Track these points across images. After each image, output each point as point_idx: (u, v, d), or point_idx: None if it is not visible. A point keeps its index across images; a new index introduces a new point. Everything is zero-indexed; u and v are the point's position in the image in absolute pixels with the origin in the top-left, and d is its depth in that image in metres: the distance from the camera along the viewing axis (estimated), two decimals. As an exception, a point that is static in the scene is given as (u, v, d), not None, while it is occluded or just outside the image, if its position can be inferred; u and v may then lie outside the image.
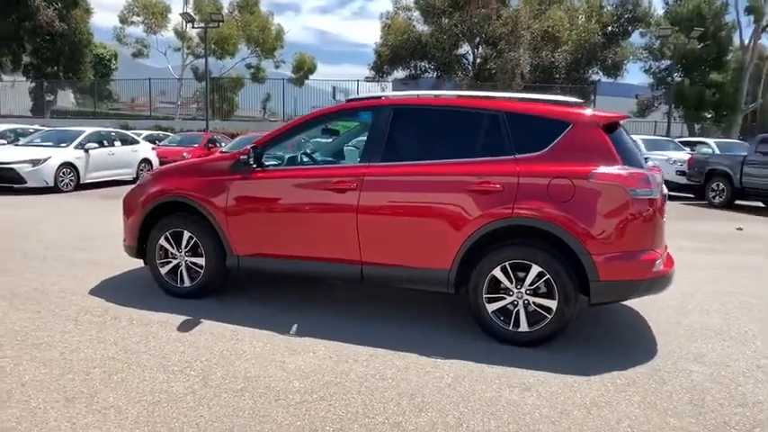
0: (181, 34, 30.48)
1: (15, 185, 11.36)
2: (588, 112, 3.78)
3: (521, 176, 3.58)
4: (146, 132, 18.76)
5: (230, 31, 27.99)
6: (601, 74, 29.97)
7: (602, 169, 3.50)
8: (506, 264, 3.62)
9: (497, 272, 3.64)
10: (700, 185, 13.29)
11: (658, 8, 32.20)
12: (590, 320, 4.14)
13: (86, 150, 12.41)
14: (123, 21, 30.23)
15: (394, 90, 34.09)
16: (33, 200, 10.59)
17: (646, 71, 35.44)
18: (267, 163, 4.30)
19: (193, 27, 24.56)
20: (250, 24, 29.55)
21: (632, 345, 3.81)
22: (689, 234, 8.28)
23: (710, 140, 16.78)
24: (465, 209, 3.65)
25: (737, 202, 12.59)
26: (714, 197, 12.81)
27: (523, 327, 3.63)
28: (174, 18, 30.07)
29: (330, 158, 4.88)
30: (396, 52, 27.19)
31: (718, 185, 12.80)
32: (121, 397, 2.82)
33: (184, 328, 3.84)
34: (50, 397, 2.79)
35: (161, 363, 3.25)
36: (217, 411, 2.70)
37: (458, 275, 3.74)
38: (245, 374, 3.12)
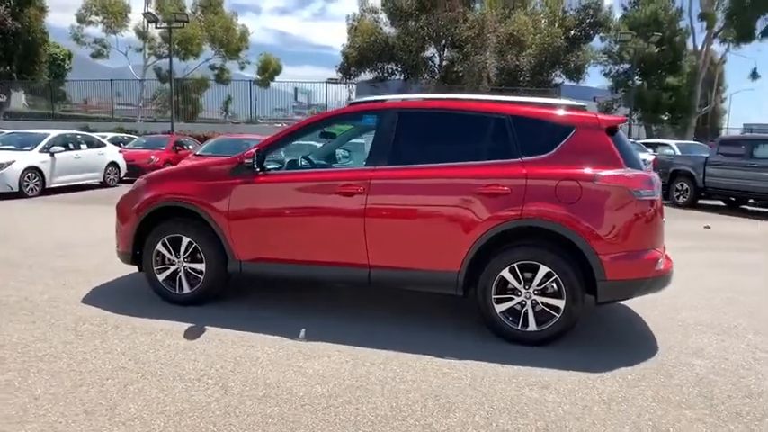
0: (142, 34, 29.62)
1: (-24, 191, 10.84)
2: (591, 115, 3.89)
3: (528, 179, 3.66)
4: (110, 135, 18.16)
5: (194, 32, 27.38)
6: (563, 77, 30.75)
7: (607, 171, 3.62)
8: (515, 265, 3.69)
9: (506, 273, 3.71)
10: (664, 186, 13.81)
11: (617, 14, 33.16)
12: (590, 319, 4.26)
13: (52, 154, 11.95)
14: (81, 20, 29.15)
15: (359, 93, 34.20)
16: (-3, 205, 10.13)
17: (605, 75, 36.61)
18: (269, 167, 4.25)
19: (157, 27, 23.93)
20: (214, 25, 28.98)
21: (634, 341, 3.94)
22: (662, 232, 8.58)
23: (671, 142, 17.45)
24: (474, 211, 3.70)
25: (700, 201, 13.15)
26: (678, 197, 13.34)
27: (532, 326, 3.71)
28: (135, 18, 29.32)
29: (331, 161, 4.87)
30: (363, 54, 27.21)
31: (682, 185, 13.34)
32: (143, 408, 2.74)
33: (191, 335, 3.76)
34: (69, 410, 2.69)
35: (175, 371, 3.18)
36: (245, 419, 2.67)
37: (466, 277, 3.79)
38: (265, 381, 3.09)
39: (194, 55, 29.66)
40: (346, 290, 4.96)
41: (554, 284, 3.65)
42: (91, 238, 7.14)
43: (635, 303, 4.58)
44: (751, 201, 13.28)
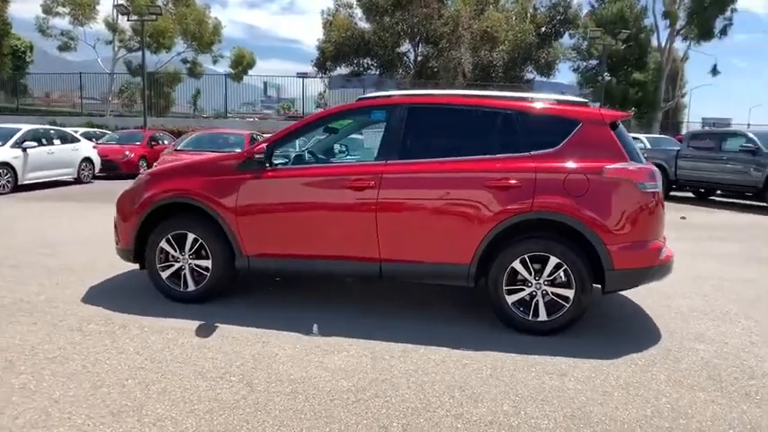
0: (112, 26, 28.74)
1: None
2: (596, 110, 3.99)
3: (538, 172, 3.73)
4: (82, 130, 17.62)
5: (166, 25, 26.69)
6: (535, 73, 31.23)
7: (613, 165, 3.72)
8: (526, 256, 3.77)
9: (517, 264, 3.78)
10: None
11: (584, 11, 33.84)
12: (592, 309, 4.36)
13: (24, 149, 11.54)
14: (47, 11, 28.10)
15: (332, 87, 34.04)
16: (-32, 204, 9.74)
17: (574, 71, 37.39)
18: (276, 161, 4.22)
19: (128, 20, 23.23)
20: (186, 18, 28.33)
21: (637, 329, 4.07)
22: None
23: (642, 136, 17.94)
24: (486, 204, 3.76)
25: (672, 193, 13.58)
26: (652, 189, 13.72)
27: (542, 316, 3.79)
28: (104, 9, 28.45)
29: (335, 156, 4.86)
30: (339, 49, 27.06)
31: (655, 178, 13.73)
32: (171, 408, 2.71)
33: (203, 333, 3.72)
34: (94, 412, 2.64)
35: (195, 370, 3.14)
36: (278, 415, 2.66)
37: (478, 269, 3.85)
38: (289, 377, 3.08)
39: (166, 48, 28.96)
40: (351, 284, 4.97)
41: (563, 275, 3.74)
42: (76, 236, 6.96)
43: (630, 292, 4.72)
44: (718, 191, 13.80)
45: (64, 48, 29.14)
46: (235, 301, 4.42)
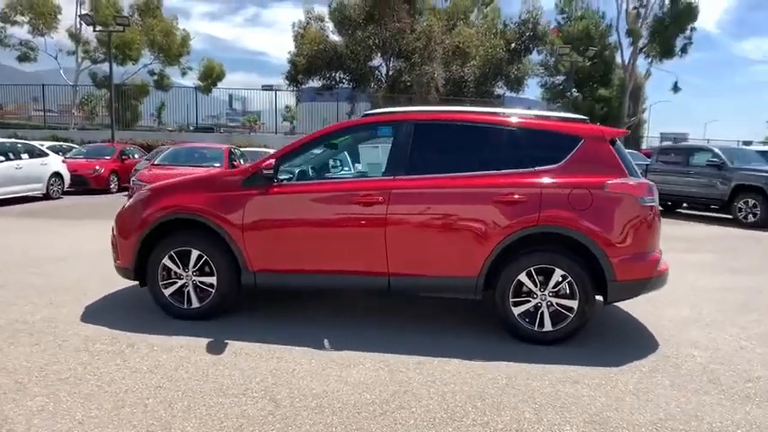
0: (75, 37, 28.06)
1: None
2: (596, 127, 4.17)
3: (543, 188, 3.88)
4: (48, 143, 17.09)
5: (133, 36, 26.20)
6: (505, 88, 31.90)
7: (615, 180, 3.89)
8: (531, 269, 3.89)
9: (523, 277, 3.90)
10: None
11: (551, 27, 34.88)
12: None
13: (-8, 164, 11.16)
14: (4, 20, 27.23)
15: (303, 100, 34.03)
16: (-65, 221, 9.35)
17: (542, 86, 38.41)
18: (281, 177, 4.24)
19: (94, 30, 22.70)
20: (153, 29, 27.90)
21: (634, 337, 4.23)
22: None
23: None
24: (493, 219, 3.87)
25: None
26: (622, 201, 14.19)
27: (547, 326, 3.91)
28: (67, 19, 27.77)
29: (336, 171, 4.91)
30: (311, 62, 27.07)
31: (625, 191, 14.21)
32: (199, 426, 2.69)
33: (214, 350, 3.69)
34: (122, 432, 2.60)
35: (215, 387, 3.12)
36: (309, 430, 2.68)
37: (485, 281, 3.95)
38: (311, 391, 3.10)
39: (133, 60, 28.42)
40: (355, 298, 5.01)
41: (567, 286, 3.87)
42: (58, 253, 6.78)
43: (621, 303, 4.90)
44: (685, 204, 14.38)
45: (23, 58, 28.25)
46: (238, 317, 4.39)
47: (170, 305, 4.29)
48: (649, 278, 3.94)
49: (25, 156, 12.60)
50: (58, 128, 26.35)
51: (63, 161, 14.06)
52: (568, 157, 3.97)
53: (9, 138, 17.41)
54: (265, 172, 4.03)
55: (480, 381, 3.30)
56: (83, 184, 14.88)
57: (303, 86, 28.80)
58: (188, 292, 4.27)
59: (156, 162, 11.72)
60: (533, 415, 2.89)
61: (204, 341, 3.83)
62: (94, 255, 6.71)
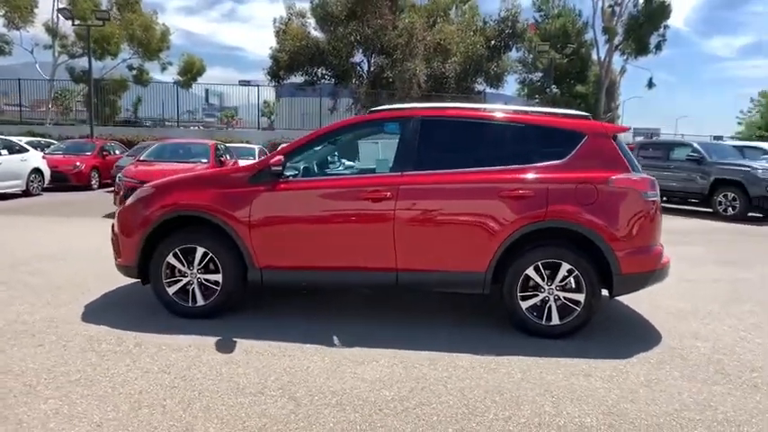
0: (52, 31, 27.32)
1: None
2: (599, 123, 4.22)
3: (550, 183, 3.91)
4: (26, 139, 16.63)
5: (112, 30, 25.60)
6: (485, 84, 32.10)
7: (619, 175, 3.95)
8: (539, 263, 3.93)
9: (530, 271, 3.94)
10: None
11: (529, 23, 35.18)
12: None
13: (-30, 161, 10.82)
14: (-22, 13, 26.39)
15: (281, 95, 33.73)
16: None
17: (520, 83, 38.77)
18: (287, 173, 4.20)
19: (73, 24, 22.11)
20: (132, 23, 27.32)
21: (637, 330, 4.31)
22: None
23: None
24: (502, 214, 3.89)
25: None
26: (606, 196, 14.43)
27: (555, 320, 3.96)
28: (43, 12, 27.00)
29: (338, 166, 4.88)
30: (294, 58, 26.85)
31: (608, 186, 14.45)
32: (221, 426, 2.66)
33: (224, 349, 3.65)
34: (144, 434, 2.56)
35: (231, 386, 3.09)
36: (333, 428, 2.67)
37: (493, 276, 3.98)
38: (330, 389, 3.08)
39: (112, 54, 27.80)
40: (356, 295, 4.99)
41: (574, 280, 3.92)
42: (48, 251, 6.61)
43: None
44: (664, 198, 14.67)
45: (-2, 52, 27.46)
46: (243, 315, 4.35)
47: (174, 303, 4.22)
48: (653, 271, 4.01)
49: (4, 152, 12.26)
50: (32, 123, 25.65)
51: (43, 157, 13.71)
52: (573, 152, 4.02)
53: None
54: (274, 168, 3.99)
55: (495, 375, 3.33)
56: (63, 181, 14.53)
57: (285, 82, 28.53)
58: (192, 289, 4.21)
59: (141, 158, 11.49)
60: (553, 408, 2.92)
61: (212, 340, 3.78)
62: (84, 252, 6.57)
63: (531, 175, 3.95)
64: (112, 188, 14.35)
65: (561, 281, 3.93)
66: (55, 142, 18.58)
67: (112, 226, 4.55)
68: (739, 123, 49.27)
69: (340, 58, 27.45)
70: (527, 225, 3.89)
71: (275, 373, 3.28)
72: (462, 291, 4.15)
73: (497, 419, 2.79)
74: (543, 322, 3.96)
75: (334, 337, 3.89)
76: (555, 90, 34.75)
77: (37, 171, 13.07)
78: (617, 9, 34.50)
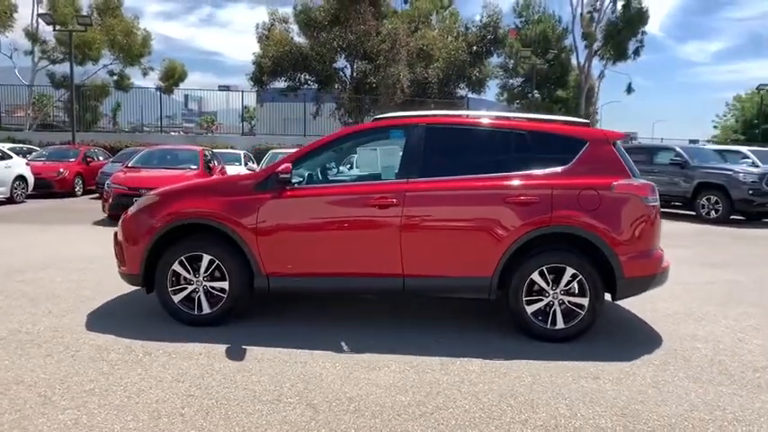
0: (32, 36, 26.83)
1: None
2: (600, 130, 4.32)
3: (554, 189, 4.00)
4: (8, 145, 16.29)
5: (93, 35, 25.24)
6: (467, 90, 32.39)
7: (620, 181, 4.05)
8: (544, 268, 4.00)
9: (536, 276, 4.01)
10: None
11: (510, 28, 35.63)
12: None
13: (-48, 167, 10.58)
14: (-45, 18, 25.80)
15: (262, 101, 33.57)
16: None
17: (501, 88, 39.19)
18: (293, 181, 4.22)
19: (54, 30, 21.76)
20: (114, 29, 26.97)
21: (638, 333, 4.41)
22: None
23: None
24: (508, 220, 3.96)
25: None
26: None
27: (560, 324, 4.03)
28: (24, 17, 26.52)
29: (341, 173, 4.91)
30: (277, 63, 26.80)
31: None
32: (244, 433, 2.66)
33: (235, 356, 3.65)
34: (167, 444, 2.55)
35: (247, 394, 3.09)
36: (356, 433, 2.69)
37: (498, 281, 4.04)
38: (346, 395, 3.10)
39: (93, 60, 27.40)
40: (363, 301, 5.01)
41: (578, 284, 4.00)
42: (40, 259, 6.51)
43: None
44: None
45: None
46: (249, 322, 4.34)
47: (180, 311, 4.20)
48: (654, 275, 4.12)
49: (-14, 159, 12.01)
50: (9, 128, 25.14)
51: (27, 164, 13.46)
52: (575, 159, 4.11)
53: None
54: (282, 176, 4.00)
55: (506, 380, 3.38)
56: (46, 188, 14.27)
57: (269, 87, 28.44)
58: (198, 297, 4.19)
59: (129, 164, 11.37)
60: (567, 410, 2.98)
61: (222, 347, 3.78)
62: (78, 260, 6.49)
63: (535, 182, 4.03)
64: (97, 195, 14.23)
65: (566, 285, 4.01)
66: (37, 148, 18.26)
67: (115, 234, 4.51)
68: (715, 127, 50.57)
69: (323, 64, 27.48)
70: (532, 230, 3.96)
71: (290, 380, 3.29)
72: (469, 296, 4.21)
73: (515, 422, 2.84)
74: (548, 326, 4.03)
75: (343, 344, 3.91)
76: (536, 95, 35.19)
77: (21, 178, 12.83)
78: (596, 15, 35.14)
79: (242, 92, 27.99)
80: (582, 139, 4.18)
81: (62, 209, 12.32)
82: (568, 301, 4.03)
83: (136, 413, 2.83)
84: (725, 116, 49.94)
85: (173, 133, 30.52)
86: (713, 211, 11.99)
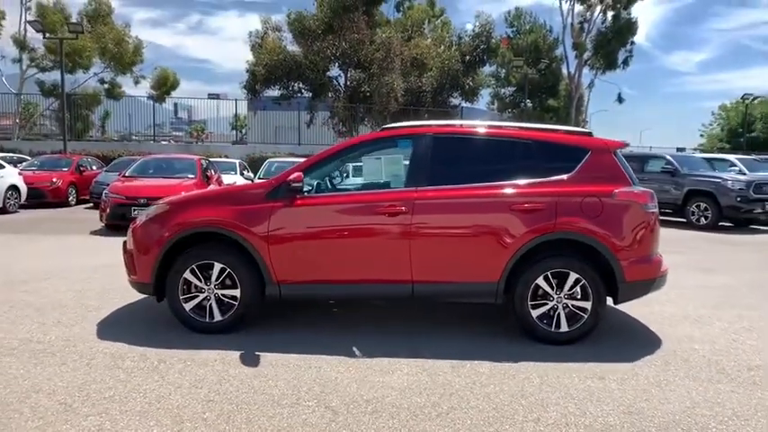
0: (21, 43, 26.73)
1: None
2: (601, 139, 4.47)
3: (558, 196, 4.13)
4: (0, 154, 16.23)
5: (84, 43, 25.20)
6: (460, 99, 32.70)
7: (622, 188, 4.20)
8: (548, 273, 4.13)
9: (540, 280, 4.13)
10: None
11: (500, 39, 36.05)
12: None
13: (-53, 178, 10.53)
14: (-60, 25, 25.70)
15: (253, 109, 33.61)
16: None
17: (493, 97, 39.59)
18: (303, 189, 4.31)
19: (44, 37, 21.71)
20: (105, 36, 26.93)
21: (637, 334, 4.54)
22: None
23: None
24: (514, 227, 4.08)
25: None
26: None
27: (564, 327, 4.15)
28: (11, 25, 26.39)
29: (355, 182, 5.02)
30: (271, 72, 26.90)
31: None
32: (267, 435, 2.74)
33: (249, 362, 3.72)
34: (194, 446, 2.62)
35: (266, 399, 3.17)
36: (375, 434, 2.78)
37: (505, 286, 4.15)
38: (363, 398, 3.19)
39: (84, 68, 27.32)
40: (360, 307, 5.10)
41: (581, 289, 4.13)
42: (42, 269, 6.53)
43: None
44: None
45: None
46: (259, 329, 4.41)
47: (191, 319, 4.26)
48: (654, 279, 4.26)
49: (-21, 169, 11.96)
50: (-3, 137, 24.98)
51: (19, 173, 13.42)
52: (578, 167, 4.24)
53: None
54: (294, 185, 4.10)
55: (516, 381, 3.49)
56: (39, 198, 14.21)
57: (262, 96, 28.52)
58: (210, 305, 4.26)
59: (126, 173, 11.38)
60: (576, 409, 3.09)
61: (235, 354, 3.85)
62: (79, 270, 6.51)
63: (540, 189, 4.16)
64: (91, 204, 14.19)
65: (569, 289, 4.13)
66: (27, 158, 18.17)
67: (124, 243, 4.57)
68: (701, 135, 51.37)
69: (317, 72, 27.61)
70: (537, 237, 4.08)
71: (306, 385, 3.37)
72: (476, 300, 4.32)
73: (527, 421, 2.95)
74: (553, 329, 4.15)
75: (355, 349, 4.00)
76: (528, 104, 35.62)
77: (14, 188, 12.78)
78: (586, 25, 35.72)
79: (235, 100, 28.10)
80: (584, 148, 4.32)
81: (57, 219, 12.28)
82: (572, 305, 4.15)
83: (158, 418, 2.89)
84: (711, 125, 50.83)
85: (163, 142, 30.40)
86: (703, 218, 12.23)
